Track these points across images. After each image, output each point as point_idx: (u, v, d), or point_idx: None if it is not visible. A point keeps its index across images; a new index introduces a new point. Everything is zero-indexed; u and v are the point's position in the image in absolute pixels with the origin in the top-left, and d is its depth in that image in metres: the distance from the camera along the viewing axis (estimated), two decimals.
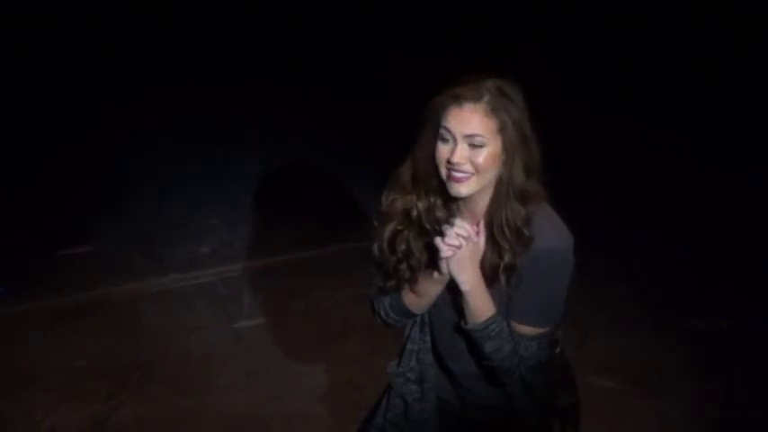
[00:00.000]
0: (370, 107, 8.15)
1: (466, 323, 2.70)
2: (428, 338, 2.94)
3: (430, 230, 2.74)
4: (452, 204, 2.75)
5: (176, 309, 5.46)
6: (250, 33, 9.57)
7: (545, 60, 8.61)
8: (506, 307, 2.71)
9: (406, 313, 2.88)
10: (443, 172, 2.63)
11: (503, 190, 2.65)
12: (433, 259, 2.70)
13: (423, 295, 2.81)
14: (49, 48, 8.90)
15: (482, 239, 2.67)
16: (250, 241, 6.15)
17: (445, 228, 2.65)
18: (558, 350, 2.90)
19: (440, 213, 2.76)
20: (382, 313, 2.90)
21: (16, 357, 4.96)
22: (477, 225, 2.68)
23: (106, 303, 5.48)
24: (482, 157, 2.60)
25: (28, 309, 5.38)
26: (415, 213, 2.76)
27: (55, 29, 9.08)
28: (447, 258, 2.64)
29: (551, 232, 2.67)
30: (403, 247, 2.79)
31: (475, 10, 9.34)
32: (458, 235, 2.63)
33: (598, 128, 7.68)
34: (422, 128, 2.69)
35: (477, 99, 2.60)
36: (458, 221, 2.66)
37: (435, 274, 2.71)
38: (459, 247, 2.63)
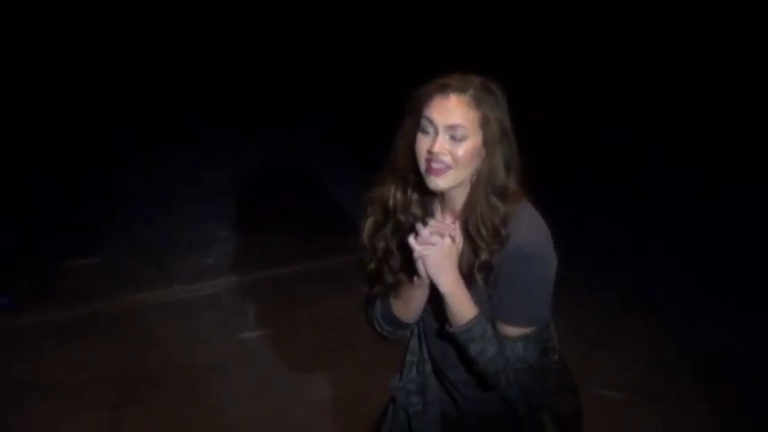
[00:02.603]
0: (372, 108, 8.11)
1: (450, 326, 2.70)
2: (425, 348, 2.94)
3: (406, 226, 2.73)
4: (429, 201, 2.75)
5: (182, 320, 5.46)
6: (250, 33, 9.57)
7: (545, 60, 8.63)
8: (489, 307, 2.70)
9: (399, 324, 2.86)
10: (422, 165, 2.62)
11: (481, 186, 2.65)
12: (411, 261, 2.67)
13: (407, 301, 2.79)
14: (53, 54, 8.90)
15: (459, 238, 2.66)
16: (256, 252, 6.14)
17: (419, 227, 2.63)
18: (555, 357, 2.88)
19: (416, 210, 2.74)
20: (377, 326, 2.90)
21: (22, 369, 4.96)
22: (454, 223, 2.67)
23: (112, 315, 5.47)
24: (462, 149, 2.59)
25: (34, 320, 5.38)
26: (391, 203, 2.74)
27: (57, 31, 9.08)
28: (423, 259, 2.63)
29: (529, 231, 2.65)
30: (382, 244, 2.78)
31: (475, 10, 9.35)
32: (431, 233, 2.61)
33: (599, 132, 7.68)
34: (404, 118, 2.69)
35: (462, 90, 2.61)
36: (431, 221, 2.65)
37: (415, 277, 2.70)
38: (433, 245, 2.61)
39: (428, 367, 2.95)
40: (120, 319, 5.43)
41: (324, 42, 9.42)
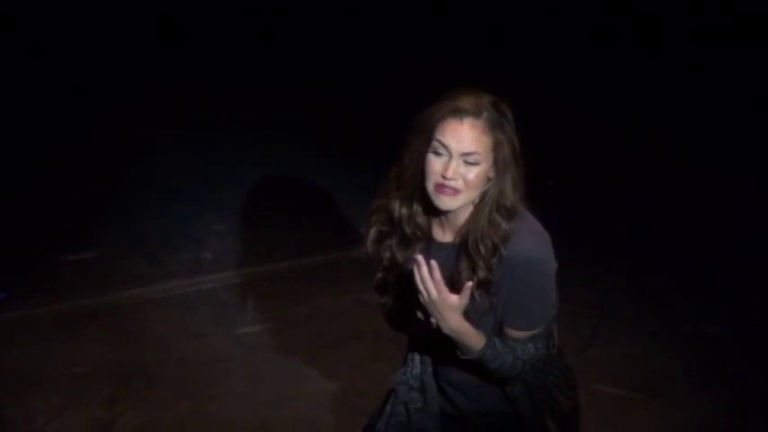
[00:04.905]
0: (372, 109, 8.13)
1: (462, 354, 2.70)
2: (429, 349, 2.94)
3: (411, 238, 2.76)
4: (432, 214, 2.76)
5: (179, 315, 5.44)
6: (250, 33, 9.56)
7: (545, 60, 8.65)
8: (492, 316, 2.72)
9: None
10: (431, 185, 2.64)
11: (486, 206, 2.66)
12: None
13: (413, 316, 2.75)
14: (48, 46, 8.88)
15: (465, 298, 2.60)
16: (253, 247, 6.11)
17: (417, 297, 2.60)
18: (554, 351, 2.89)
19: (420, 220, 2.76)
20: (395, 330, 2.98)
21: (19, 362, 4.94)
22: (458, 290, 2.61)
23: (109, 309, 5.45)
24: (474, 173, 2.61)
25: (31, 314, 5.36)
26: (396, 215, 2.76)
27: (53, 27, 9.07)
28: (426, 306, 2.60)
29: (526, 238, 2.67)
30: (388, 254, 2.81)
31: (475, 10, 9.36)
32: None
33: (596, 128, 7.68)
34: (413, 134, 2.69)
35: (477, 115, 2.61)
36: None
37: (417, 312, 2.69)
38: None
39: (430, 369, 2.96)
40: (116, 314, 5.41)
41: (327, 43, 9.41)
